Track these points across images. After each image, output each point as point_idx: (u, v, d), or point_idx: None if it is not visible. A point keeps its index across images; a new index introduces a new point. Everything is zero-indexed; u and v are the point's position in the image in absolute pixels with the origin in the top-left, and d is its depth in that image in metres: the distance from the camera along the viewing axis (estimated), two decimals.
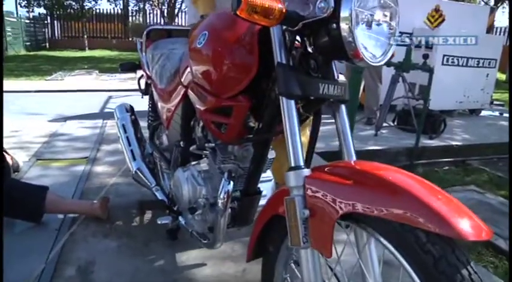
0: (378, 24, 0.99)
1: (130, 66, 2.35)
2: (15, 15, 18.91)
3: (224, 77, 1.22)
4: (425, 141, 4.34)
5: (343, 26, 0.93)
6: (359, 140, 4.07)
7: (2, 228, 1.75)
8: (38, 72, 9.62)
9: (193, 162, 1.61)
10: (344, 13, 0.92)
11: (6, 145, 3.38)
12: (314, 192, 0.92)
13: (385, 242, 0.83)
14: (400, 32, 1.59)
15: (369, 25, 0.96)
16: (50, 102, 5.64)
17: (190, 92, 1.45)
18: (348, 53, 0.95)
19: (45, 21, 20.55)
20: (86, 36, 19.31)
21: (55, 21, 20.57)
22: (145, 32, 2.06)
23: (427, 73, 4.12)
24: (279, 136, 1.22)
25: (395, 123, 4.91)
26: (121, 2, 20.67)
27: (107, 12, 20.62)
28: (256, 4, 0.89)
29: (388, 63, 3.74)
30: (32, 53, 16.94)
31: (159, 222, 1.77)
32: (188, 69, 1.44)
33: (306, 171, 0.96)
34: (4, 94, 6.12)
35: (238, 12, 0.88)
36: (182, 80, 1.54)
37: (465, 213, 0.75)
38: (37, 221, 2.06)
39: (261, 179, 1.41)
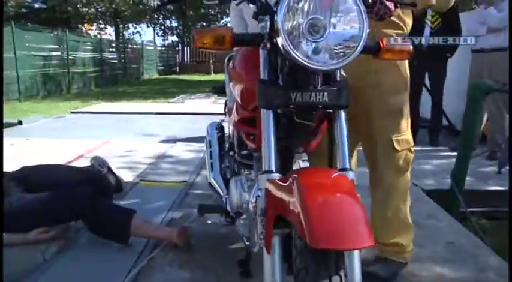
0: (333, 29, 1.03)
1: (222, 89, 2.46)
2: (153, 44, 21.02)
3: (247, 90, 1.40)
4: None
5: (279, 40, 1.03)
6: (478, 178, 3.56)
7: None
8: (164, 95, 10.49)
9: (246, 172, 1.78)
10: (278, 26, 1.02)
11: (118, 164, 3.67)
12: (269, 195, 1.07)
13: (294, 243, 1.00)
14: None
15: (316, 32, 1.02)
16: (167, 124, 6.03)
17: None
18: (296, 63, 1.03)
19: (177, 48, 22.57)
20: (211, 61, 20.69)
21: (185, 48, 22.47)
22: (227, 57, 2.14)
23: None
24: (314, 146, 1.43)
25: None
26: None
27: None
28: (204, 37, 1.09)
29: None
30: (163, 76, 18.63)
31: (208, 221, 1.90)
32: None
33: (275, 175, 1.09)
34: (129, 115, 6.75)
35: (194, 45, 1.10)
36: None
37: (354, 223, 0.86)
38: (124, 243, 2.14)
39: None
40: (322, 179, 1.01)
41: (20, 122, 5.99)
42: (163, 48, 21.88)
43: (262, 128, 1.12)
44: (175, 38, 23.50)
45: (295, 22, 1.02)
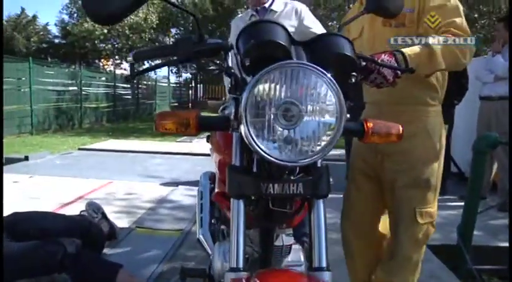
0: (307, 118, 0.94)
1: None
2: (167, 80, 21.41)
3: (224, 164, 1.30)
4: None
5: (242, 128, 0.93)
6: (486, 231, 3.41)
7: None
8: (174, 134, 10.51)
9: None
10: (241, 114, 0.92)
11: (116, 208, 3.62)
12: None
13: None
14: None
15: (287, 121, 0.93)
16: (171, 164, 6.00)
17: None
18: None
19: (190, 85, 22.93)
20: (224, 99, 20.91)
21: (198, 85, 22.82)
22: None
23: None
24: (298, 221, 1.27)
25: None
26: None
27: None
28: (167, 123, 1.02)
29: None
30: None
31: None
32: None
33: (243, 274, 0.97)
34: (136, 154, 6.74)
35: (156, 130, 1.04)
36: None
37: None
38: None
39: (289, 264, 1.46)
40: None
41: (26, 158, 6.02)
42: (177, 85, 22.28)
43: (231, 219, 1.01)
44: (189, 75, 23.97)
45: (262, 110, 0.93)
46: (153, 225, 3.26)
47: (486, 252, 3.07)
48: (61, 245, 2.08)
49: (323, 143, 0.95)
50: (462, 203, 2.99)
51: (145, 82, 18.70)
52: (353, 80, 1.09)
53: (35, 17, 22.63)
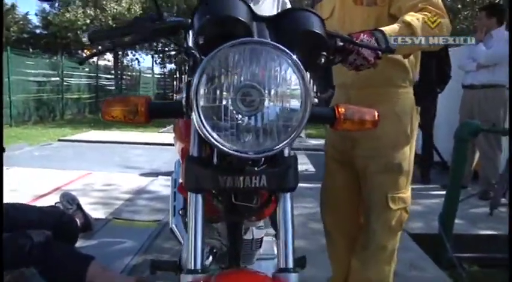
0: (269, 103, 0.83)
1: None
2: (151, 71, 21.18)
3: (186, 153, 1.19)
4: None
5: (193, 116, 0.83)
6: (467, 219, 3.39)
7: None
8: (156, 124, 10.39)
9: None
10: (191, 100, 0.82)
11: (94, 199, 3.52)
12: None
13: None
14: None
15: (247, 106, 0.83)
16: (152, 155, 5.90)
17: None
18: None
19: (175, 76, 22.70)
20: None
21: (183, 76, 22.59)
22: None
23: None
24: (269, 213, 1.17)
25: None
26: None
27: None
28: (113, 110, 0.92)
29: None
30: None
31: None
32: None
33: (200, 276, 0.89)
34: (116, 145, 6.61)
35: (103, 118, 0.94)
36: None
37: None
38: None
39: (261, 257, 1.43)
40: None
41: (2, 149, 5.83)
42: (161, 76, 22.02)
43: (188, 214, 0.92)
44: (173, 66, 23.71)
45: (217, 94, 0.82)
46: (130, 217, 3.17)
47: (467, 241, 3.06)
48: (29, 238, 1.99)
49: (287, 131, 0.85)
50: (444, 192, 2.97)
51: (129, 73, 18.46)
52: (322, 61, 0.99)
53: (13, 5, 22.08)
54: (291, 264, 0.88)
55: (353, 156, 1.65)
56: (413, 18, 1.32)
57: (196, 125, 0.83)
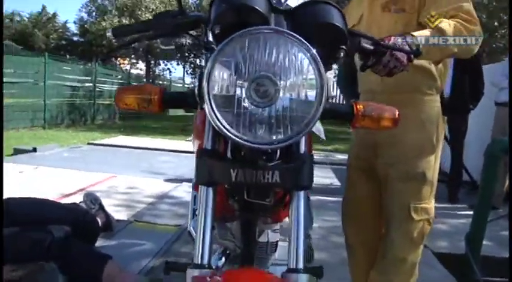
0: (283, 94, 0.81)
1: None
2: (182, 81, 21.51)
3: None
4: None
5: (205, 106, 0.81)
6: (496, 242, 3.24)
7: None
8: (184, 132, 10.49)
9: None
10: (203, 89, 0.81)
11: (117, 201, 3.56)
12: None
13: None
14: None
15: (260, 97, 0.80)
16: (178, 162, 5.93)
17: None
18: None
19: None
20: None
21: None
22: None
23: None
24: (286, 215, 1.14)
25: None
26: None
27: None
28: (127, 98, 0.93)
29: None
30: (189, 114, 18.79)
31: None
32: None
33: (206, 272, 0.86)
34: (143, 150, 6.67)
35: (117, 105, 0.95)
36: None
37: None
38: None
39: (276, 262, 1.41)
40: None
41: (34, 150, 6.02)
42: (192, 86, 22.32)
43: (198, 209, 0.90)
44: None
45: (231, 84, 0.81)
46: (152, 220, 3.19)
47: (496, 264, 2.93)
48: (49, 233, 2.02)
49: (302, 123, 0.82)
50: (472, 212, 2.86)
51: (160, 82, 18.79)
52: (341, 55, 0.97)
53: (54, 14, 23.00)
54: (301, 265, 0.86)
55: (376, 164, 1.61)
56: (445, 24, 1.29)
57: (207, 114, 0.81)
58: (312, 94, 0.82)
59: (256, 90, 0.80)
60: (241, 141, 0.81)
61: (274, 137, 0.81)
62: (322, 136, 1.63)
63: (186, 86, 22.47)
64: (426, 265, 2.48)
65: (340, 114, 0.96)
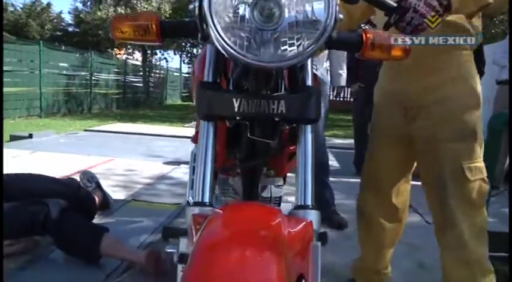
0: (288, 13, 0.75)
1: None
2: (179, 71, 21.36)
3: None
4: None
5: (209, 30, 0.76)
6: (498, 218, 3.21)
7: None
8: (182, 120, 10.44)
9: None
10: (204, 10, 0.75)
11: (115, 182, 3.52)
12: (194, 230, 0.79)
13: None
14: None
15: (266, 16, 0.75)
16: (176, 146, 5.87)
17: None
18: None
19: None
20: None
21: None
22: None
23: None
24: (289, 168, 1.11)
25: None
26: None
27: None
28: (123, 25, 0.86)
29: None
30: (186, 103, 18.76)
31: (167, 250, 1.57)
32: None
33: (208, 210, 0.80)
34: (141, 136, 6.62)
35: (112, 35, 0.88)
36: None
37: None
38: (94, 262, 1.97)
39: None
40: (243, 221, 0.72)
41: (30, 136, 5.96)
42: (189, 75, 22.18)
43: (198, 144, 0.86)
44: None
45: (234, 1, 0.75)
46: (151, 199, 3.15)
47: (499, 239, 2.90)
48: (44, 205, 1.98)
49: (307, 42, 0.77)
50: None
51: (157, 71, 18.66)
52: None
53: (49, 4, 22.71)
54: (309, 201, 0.81)
55: (412, 129, 1.50)
56: None
57: (211, 32, 0.76)
58: (320, 7, 0.76)
59: (260, 12, 0.75)
60: (249, 61, 0.75)
61: (282, 56, 0.76)
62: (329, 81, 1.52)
63: (183, 75, 22.36)
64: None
65: (348, 43, 0.90)
